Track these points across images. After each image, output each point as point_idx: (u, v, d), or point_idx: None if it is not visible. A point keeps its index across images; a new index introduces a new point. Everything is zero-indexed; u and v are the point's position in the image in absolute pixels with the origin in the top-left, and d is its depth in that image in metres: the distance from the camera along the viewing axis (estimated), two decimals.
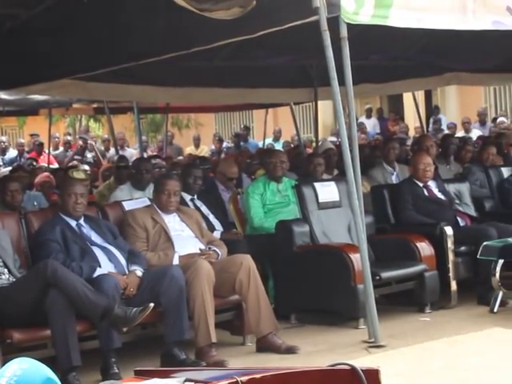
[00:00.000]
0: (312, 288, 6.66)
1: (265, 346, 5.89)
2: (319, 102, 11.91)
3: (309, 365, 2.89)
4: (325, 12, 5.47)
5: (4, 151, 17.16)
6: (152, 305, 5.29)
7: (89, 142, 16.05)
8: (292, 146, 15.14)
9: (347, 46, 5.63)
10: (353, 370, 2.49)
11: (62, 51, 7.34)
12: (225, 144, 18.10)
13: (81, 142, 15.68)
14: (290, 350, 5.81)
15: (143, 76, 9.20)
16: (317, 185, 7.18)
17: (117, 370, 5.31)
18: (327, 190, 7.16)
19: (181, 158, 14.30)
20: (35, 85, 8.86)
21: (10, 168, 11.82)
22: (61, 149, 16.46)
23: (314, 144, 13.69)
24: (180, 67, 8.87)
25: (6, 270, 5.51)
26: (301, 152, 11.46)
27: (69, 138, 17.56)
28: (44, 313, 5.20)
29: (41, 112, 14.08)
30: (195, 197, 7.42)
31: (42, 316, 5.20)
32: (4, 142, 17.56)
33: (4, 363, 2.17)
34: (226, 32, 6.04)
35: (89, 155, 15.61)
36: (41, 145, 15.15)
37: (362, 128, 16.04)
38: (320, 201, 7.05)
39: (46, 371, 2.16)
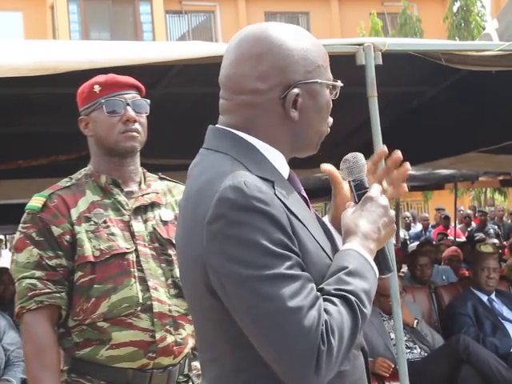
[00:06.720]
0: None
1: None
2: None
3: None
4: None
5: (409, 226, 17.54)
6: None
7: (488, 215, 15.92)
8: None
9: None
10: None
11: (468, 125, 7.34)
12: None
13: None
14: None
15: None
16: None
17: None
18: None
19: None
20: (443, 159, 8.93)
21: (417, 243, 12.00)
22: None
23: None
24: None
25: (416, 346, 5.53)
26: None
27: (468, 211, 17.46)
28: None
29: (446, 186, 14.16)
30: None
31: None
32: (408, 217, 17.95)
33: None
34: None
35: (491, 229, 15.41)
36: (447, 218, 15.21)
37: None
38: None
39: None
